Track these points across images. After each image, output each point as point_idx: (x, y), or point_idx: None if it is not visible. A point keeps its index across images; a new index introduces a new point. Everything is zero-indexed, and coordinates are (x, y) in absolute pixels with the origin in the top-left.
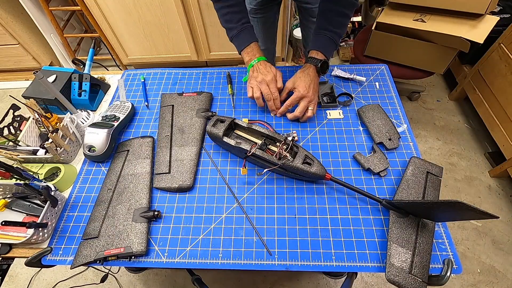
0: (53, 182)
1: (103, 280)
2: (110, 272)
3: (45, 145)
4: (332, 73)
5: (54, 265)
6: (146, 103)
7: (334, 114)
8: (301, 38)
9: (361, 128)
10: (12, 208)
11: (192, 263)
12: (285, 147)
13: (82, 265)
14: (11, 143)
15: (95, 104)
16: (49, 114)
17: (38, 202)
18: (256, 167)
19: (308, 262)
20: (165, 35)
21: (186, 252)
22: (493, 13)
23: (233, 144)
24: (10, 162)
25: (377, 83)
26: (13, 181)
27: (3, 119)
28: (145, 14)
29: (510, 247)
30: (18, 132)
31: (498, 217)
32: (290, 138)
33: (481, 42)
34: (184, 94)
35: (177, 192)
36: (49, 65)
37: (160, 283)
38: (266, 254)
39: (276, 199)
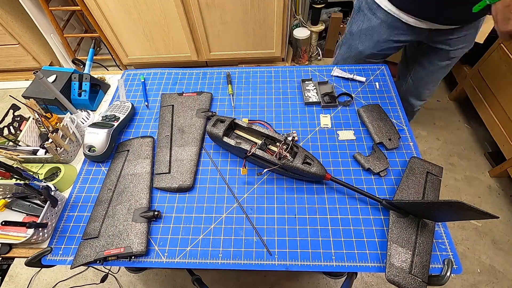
0: (53, 182)
1: (103, 280)
2: (110, 272)
3: (45, 145)
4: (332, 73)
5: (54, 265)
6: (146, 103)
7: (347, 135)
8: (302, 38)
9: (361, 128)
10: (12, 208)
11: (192, 263)
12: (285, 147)
13: (82, 265)
14: (11, 143)
15: (95, 104)
16: (49, 114)
17: (38, 202)
18: (256, 167)
19: (308, 262)
20: (165, 35)
21: (186, 252)
22: None
23: (233, 144)
24: (10, 162)
25: (377, 83)
26: (13, 181)
27: (3, 119)
28: (145, 14)
29: (510, 247)
30: (18, 132)
31: (498, 217)
32: (290, 138)
33: (481, 42)
34: (184, 94)
35: (177, 192)
36: (49, 65)
37: (160, 283)
38: (266, 254)
39: (276, 199)
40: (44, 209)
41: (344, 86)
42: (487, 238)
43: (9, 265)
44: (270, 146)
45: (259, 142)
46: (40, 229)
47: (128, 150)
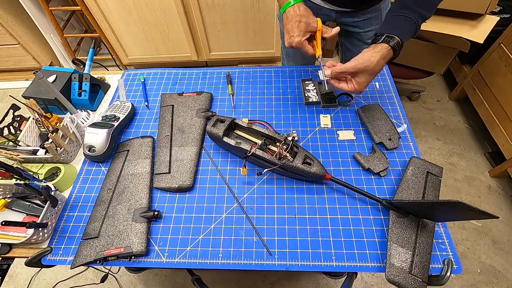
0: (53, 182)
1: (103, 280)
2: (110, 272)
3: (45, 145)
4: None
5: (54, 265)
6: (146, 103)
7: (347, 135)
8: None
9: (361, 128)
10: (12, 208)
11: (192, 263)
12: (285, 147)
13: (82, 265)
14: (11, 143)
15: (95, 104)
16: (49, 114)
17: (38, 202)
18: (256, 167)
19: (308, 262)
20: (165, 35)
21: (186, 252)
22: (493, 13)
23: (233, 144)
24: (10, 162)
25: (377, 83)
26: (13, 181)
27: (3, 119)
28: (145, 14)
29: (510, 247)
30: (18, 132)
31: (498, 217)
32: (290, 138)
33: (481, 42)
34: (184, 94)
35: (177, 192)
36: (49, 65)
37: (160, 283)
38: (266, 254)
39: (276, 199)
40: (44, 209)
41: None
42: (487, 238)
43: (9, 265)
44: (270, 146)
45: (259, 142)
46: (40, 229)
47: (128, 150)
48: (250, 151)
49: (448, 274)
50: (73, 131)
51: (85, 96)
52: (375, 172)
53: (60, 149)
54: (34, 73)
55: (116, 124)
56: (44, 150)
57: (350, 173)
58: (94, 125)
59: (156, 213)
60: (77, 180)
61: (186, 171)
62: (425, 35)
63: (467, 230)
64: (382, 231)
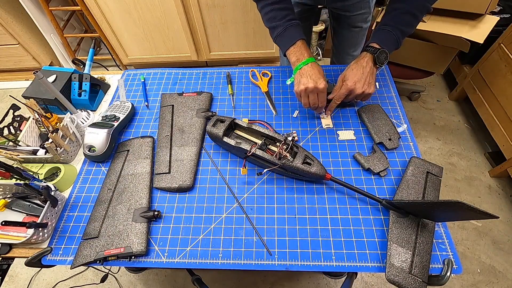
0: (53, 182)
1: (103, 280)
2: (110, 272)
3: (45, 145)
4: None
5: (54, 265)
6: (146, 103)
7: (347, 135)
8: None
9: (361, 128)
10: (12, 208)
11: (192, 263)
12: (285, 147)
13: (82, 265)
14: (11, 143)
15: (95, 104)
16: (49, 114)
17: (38, 202)
18: (256, 167)
19: (308, 262)
20: (165, 35)
21: (186, 252)
22: (493, 13)
23: (233, 144)
24: (10, 162)
25: (377, 83)
26: (13, 181)
27: (3, 119)
28: (145, 14)
29: (510, 247)
30: (18, 132)
31: (498, 217)
32: (290, 138)
33: (481, 42)
34: (184, 94)
35: (177, 192)
36: (49, 65)
37: (160, 283)
38: (266, 254)
39: (276, 199)
40: (44, 209)
41: None
42: (487, 238)
43: (9, 265)
44: (270, 146)
45: (259, 142)
46: (40, 229)
47: (128, 150)
48: (250, 151)
49: (448, 274)
50: (73, 131)
51: (85, 96)
52: (375, 172)
53: (60, 149)
54: (34, 73)
55: (116, 124)
56: (44, 150)
57: (350, 173)
58: (94, 125)
59: (156, 213)
60: (77, 180)
61: (186, 171)
62: (425, 35)
63: (467, 230)
64: (382, 231)
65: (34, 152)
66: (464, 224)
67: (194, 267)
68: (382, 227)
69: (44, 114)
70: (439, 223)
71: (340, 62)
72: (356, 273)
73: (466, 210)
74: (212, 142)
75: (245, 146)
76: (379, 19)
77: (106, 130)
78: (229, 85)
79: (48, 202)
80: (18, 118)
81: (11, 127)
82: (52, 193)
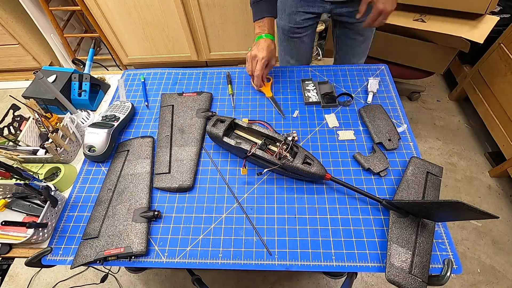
0: (53, 182)
1: (103, 280)
2: (110, 272)
3: (45, 145)
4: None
5: (54, 265)
6: (146, 103)
7: (346, 135)
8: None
9: (361, 128)
10: (12, 208)
11: (192, 263)
12: (285, 147)
13: (82, 265)
14: (11, 143)
15: (95, 104)
16: (49, 114)
17: (38, 202)
18: (256, 167)
19: (308, 262)
20: (165, 35)
21: (186, 252)
22: (493, 13)
23: (233, 144)
24: (10, 162)
25: (377, 83)
26: (13, 181)
27: (3, 119)
28: (145, 14)
29: (510, 247)
30: (18, 132)
31: (498, 217)
32: (290, 138)
33: (481, 42)
34: (184, 94)
35: (177, 192)
36: (49, 65)
37: (160, 283)
38: (266, 254)
39: (276, 199)
40: (44, 209)
41: (344, 86)
42: (487, 238)
43: (9, 265)
44: (270, 146)
45: (259, 142)
46: (40, 229)
47: (128, 150)
48: (250, 151)
49: (448, 274)
50: (73, 131)
51: (85, 96)
52: (375, 172)
53: (60, 149)
54: (34, 73)
55: (116, 124)
56: (44, 150)
57: (350, 173)
58: (94, 125)
59: (156, 213)
60: (77, 180)
61: (186, 171)
62: (425, 35)
63: (467, 230)
64: (382, 231)
65: (34, 152)
66: (464, 224)
67: (194, 267)
68: (382, 227)
69: (44, 114)
70: (439, 223)
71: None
72: (356, 273)
73: (466, 210)
74: (212, 142)
75: (245, 146)
76: None
77: (106, 130)
78: (229, 85)
79: (48, 202)
80: (18, 118)
81: (11, 127)
82: (52, 193)
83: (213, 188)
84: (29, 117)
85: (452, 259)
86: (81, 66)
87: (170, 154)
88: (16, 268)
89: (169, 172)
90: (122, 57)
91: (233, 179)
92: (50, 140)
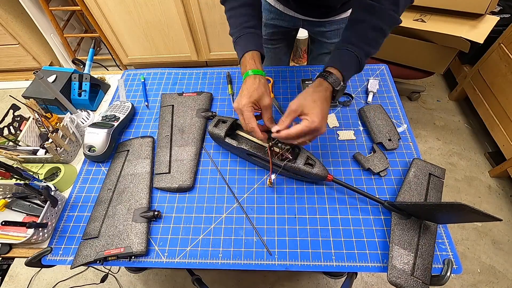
0: (53, 182)
1: (103, 280)
2: (110, 272)
3: (45, 145)
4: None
5: (54, 265)
6: (146, 103)
7: (347, 135)
8: (301, 39)
9: (361, 128)
10: (12, 208)
11: (192, 263)
12: (287, 148)
13: (82, 265)
14: (11, 143)
15: (95, 104)
16: (49, 114)
17: (38, 202)
18: (256, 167)
19: (308, 262)
20: (165, 35)
21: (186, 252)
22: (493, 13)
23: (235, 145)
24: (10, 162)
25: (376, 83)
26: (13, 181)
27: (3, 119)
28: (145, 14)
29: (510, 247)
30: (18, 132)
31: (501, 220)
32: None
33: (481, 42)
34: (184, 94)
35: (177, 192)
36: (49, 65)
37: (160, 283)
38: (266, 254)
39: (276, 199)
40: (44, 209)
41: None
42: (487, 238)
43: (9, 265)
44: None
45: (265, 144)
46: (40, 229)
47: (128, 150)
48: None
49: (448, 274)
50: (73, 131)
51: (85, 96)
52: (375, 172)
53: (60, 149)
54: (34, 73)
55: (116, 124)
56: (44, 150)
57: (350, 173)
58: (94, 125)
59: (156, 213)
60: (77, 180)
61: (186, 171)
62: (425, 35)
63: (467, 230)
64: (382, 231)
65: (34, 152)
66: (464, 224)
67: (194, 267)
68: (382, 227)
69: (44, 114)
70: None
71: None
72: (356, 273)
73: (469, 212)
74: (212, 142)
75: (247, 146)
76: None
77: (106, 130)
78: (229, 85)
79: (48, 202)
80: (18, 118)
81: (11, 127)
82: (52, 193)
83: (213, 188)
84: (29, 117)
85: (452, 259)
86: (81, 66)
87: (170, 154)
88: (16, 268)
89: (169, 172)
90: (122, 57)
91: (233, 179)
92: (50, 140)
